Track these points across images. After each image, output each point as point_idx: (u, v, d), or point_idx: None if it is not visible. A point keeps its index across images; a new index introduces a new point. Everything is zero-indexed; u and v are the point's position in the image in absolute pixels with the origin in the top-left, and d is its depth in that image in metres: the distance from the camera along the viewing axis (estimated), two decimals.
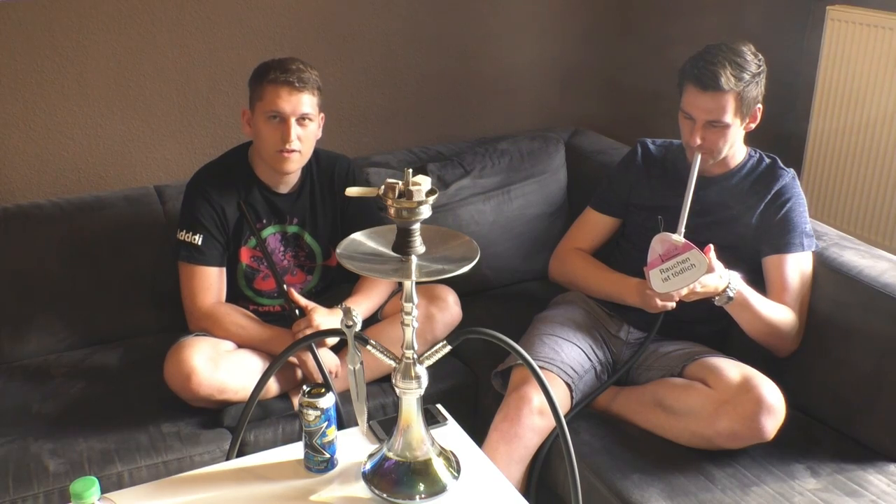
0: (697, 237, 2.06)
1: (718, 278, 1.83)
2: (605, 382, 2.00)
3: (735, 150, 2.02)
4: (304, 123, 2.00)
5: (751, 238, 2.01)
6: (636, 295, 2.00)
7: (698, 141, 1.93)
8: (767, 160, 2.05)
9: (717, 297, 1.86)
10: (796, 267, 1.96)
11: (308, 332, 1.96)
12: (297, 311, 2.03)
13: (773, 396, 1.74)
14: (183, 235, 2.05)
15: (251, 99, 2.03)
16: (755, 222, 2.00)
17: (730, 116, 1.91)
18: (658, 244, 1.80)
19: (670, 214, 2.05)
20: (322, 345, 2.02)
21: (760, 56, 1.95)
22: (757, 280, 1.99)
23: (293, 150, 1.99)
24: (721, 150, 1.97)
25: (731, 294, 1.84)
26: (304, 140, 2.00)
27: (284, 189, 2.13)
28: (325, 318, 2.00)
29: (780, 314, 1.91)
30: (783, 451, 1.79)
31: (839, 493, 1.70)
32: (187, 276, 2.06)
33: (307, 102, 1.99)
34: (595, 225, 2.24)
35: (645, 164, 2.17)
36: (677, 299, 1.90)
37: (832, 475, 1.75)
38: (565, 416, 1.64)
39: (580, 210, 2.31)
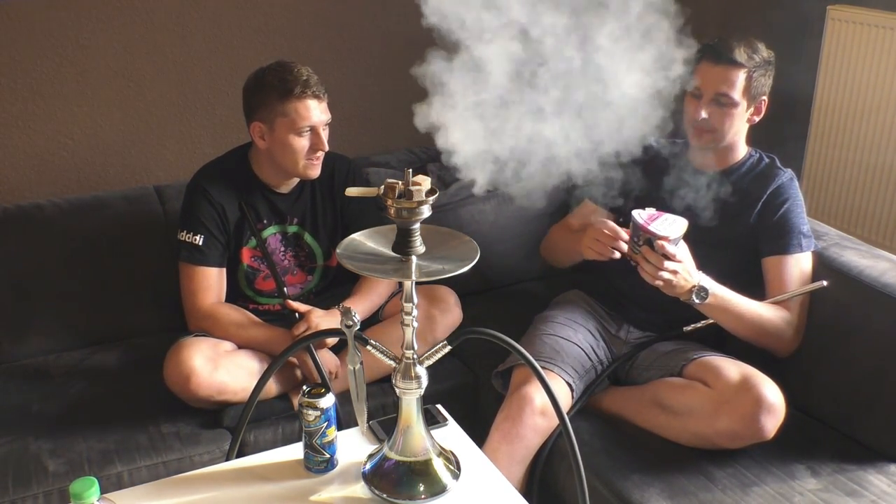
0: (695, 235, 2.06)
1: (688, 274, 1.81)
2: (601, 374, 2.00)
3: (737, 145, 2.02)
4: (326, 127, 2.04)
5: (749, 237, 2.01)
6: (581, 241, 1.96)
7: (703, 114, 1.93)
8: (766, 160, 2.05)
9: (690, 296, 1.84)
10: (795, 268, 1.96)
11: (308, 333, 1.96)
12: (296, 314, 2.04)
13: (772, 395, 1.73)
14: (184, 236, 2.05)
15: (267, 113, 1.98)
16: (753, 221, 2.00)
17: (738, 93, 1.91)
18: (637, 216, 1.82)
19: (667, 211, 2.05)
20: (322, 346, 2.03)
21: (772, 53, 1.97)
22: (757, 279, 2.00)
23: (321, 156, 2.04)
24: (723, 133, 1.96)
25: (703, 294, 1.83)
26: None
27: (285, 189, 2.13)
28: (323, 318, 2.01)
29: (764, 312, 1.91)
30: (783, 451, 1.79)
31: (839, 493, 1.70)
32: (188, 276, 2.06)
33: (327, 108, 2.02)
34: (588, 210, 2.24)
35: (646, 161, 2.16)
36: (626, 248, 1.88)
37: (832, 475, 1.75)
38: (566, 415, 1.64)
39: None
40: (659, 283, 1.80)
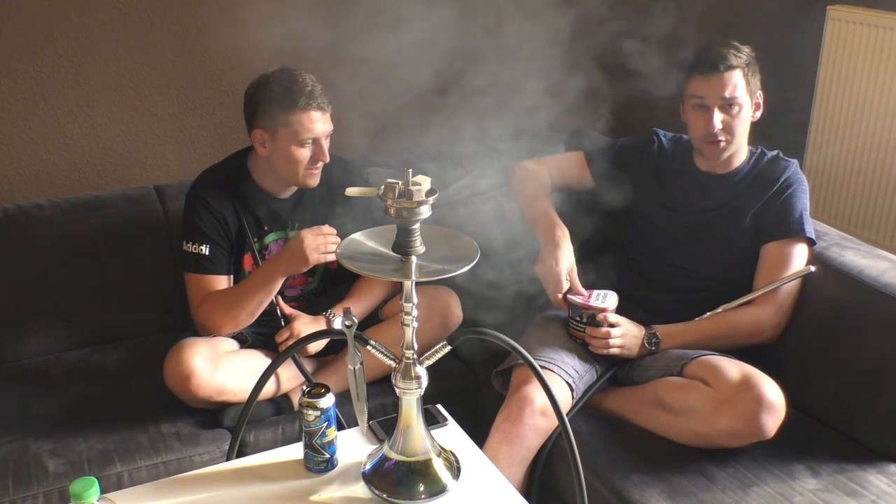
0: (698, 232, 2.07)
1: (634, 331, 1.96)
2: (601, 374, 2.00)
3: (741, 148, 2.04)
4: (328, 138, 2.04)
5: (752, 229, 2.02)
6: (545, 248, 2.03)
7: (718, 125, 1.95)
8: (770, 154, 2.07)
9: (646, 347, 1.96)
10: (790, 254, 1.97)
11: (290, 342, 1.98)
12: (282, 321, 2.04)
13: (773, 394, 1.73)
14: (189, 247, 2.03)
15: (269, 122, 1.97)
16: (756, 215, 2.01)
17: (742, 93, 1.94)
18: (575, 299, 1.97)
19: (670, 215, 2.05)
20: (304, 352, 2.06)
21: (751, 48, 2.01)
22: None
23: (321, 166, 2.03)
24: (739, 136, 1.99)
25: (655, 339, 1.96)
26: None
27: (285, 195, 2.12)
28: (307, 326, 2.03)
29: (723, 323, 1.97)
30: (783, 451, 1.79)
31: (839, 493, 1.70)
32: (197, 286, 2.03)
33: (329, 119, 2.02)
34: (574, 163, 2.25)
35: (658, 158, 2.17)
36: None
37: (832, 475, 1.75)
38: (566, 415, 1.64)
39: (579, 210, 2.30)
40: (614, 350, 1.93)
